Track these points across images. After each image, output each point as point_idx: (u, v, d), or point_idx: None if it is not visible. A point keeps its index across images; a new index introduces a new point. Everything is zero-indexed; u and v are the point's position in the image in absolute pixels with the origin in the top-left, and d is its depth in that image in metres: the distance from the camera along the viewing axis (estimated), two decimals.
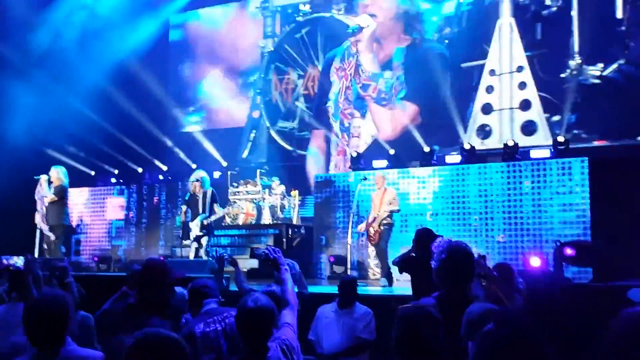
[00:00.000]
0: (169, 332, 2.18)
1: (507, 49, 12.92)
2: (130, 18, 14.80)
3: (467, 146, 11.15)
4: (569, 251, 8.17)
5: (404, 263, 5.91)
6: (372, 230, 9.27)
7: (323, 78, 14.98)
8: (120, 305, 3.77)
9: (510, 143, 10.71)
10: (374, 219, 9.25)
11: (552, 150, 10.48)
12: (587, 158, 9.83)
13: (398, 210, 9.48)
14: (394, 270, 7.67)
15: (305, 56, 15.35)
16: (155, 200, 13.43)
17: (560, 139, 10.36)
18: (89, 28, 14.51)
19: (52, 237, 10.32)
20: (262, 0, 15.91)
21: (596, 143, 11.75)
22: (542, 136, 12.28)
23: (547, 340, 1.98)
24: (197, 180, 9.92)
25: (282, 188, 13.35)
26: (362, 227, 9.69)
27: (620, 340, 2.37)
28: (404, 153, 12.29)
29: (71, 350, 2.93)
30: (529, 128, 12.40)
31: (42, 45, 13.79)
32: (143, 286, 3.64)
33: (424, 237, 6.38)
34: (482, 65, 13.12)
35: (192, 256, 9.84)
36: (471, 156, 10.95)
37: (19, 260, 4.23)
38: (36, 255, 10.31)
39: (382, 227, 9.18)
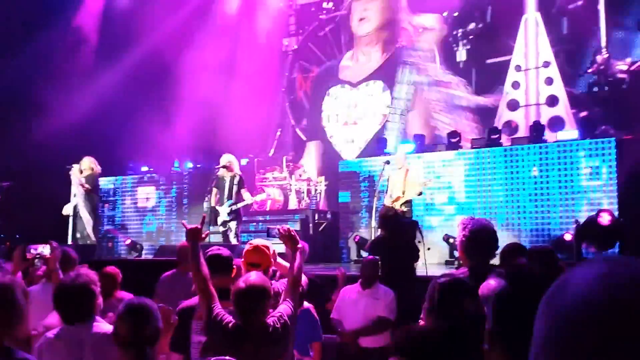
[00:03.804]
0: None
1: (533, 44, 12.78)
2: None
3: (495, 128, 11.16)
4: (606, 217, 8.16)
5: (373, 246, 6.16)
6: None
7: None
8: None
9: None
10: (397, 198, 9.26)
11: (580, 129, 10.47)
12: (614, 139, 9.76)
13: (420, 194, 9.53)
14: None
15: (329, 54, 15.39)
16: (181, 188, 13.65)
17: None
18: None
19: (87, 223, 10.62)
20: None
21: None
22: (570, 133, 12.15)
23: None
24: (225, 166, 10.03)
25: (309, 174, 13.47)
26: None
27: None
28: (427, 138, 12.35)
29: (100, 327, 3.11)
30: (556, 124, 12.27)
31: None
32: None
33: (386, 216, 6.56)
34: (508, 61, 13.02)
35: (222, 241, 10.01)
36: (497, 140, 10.95)
37: (45, 248, 4.45)
38: (70, 242, 10.60)
39: (405, 208, 9.18)
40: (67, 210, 10.88)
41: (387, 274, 5.70)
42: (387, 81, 14.54)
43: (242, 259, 3.83)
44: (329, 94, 15.15)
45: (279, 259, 4.03)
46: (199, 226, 3.58)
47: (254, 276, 3.22)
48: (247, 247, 3.89)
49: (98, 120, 13.56)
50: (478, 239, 3.36)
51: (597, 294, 0.70)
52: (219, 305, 3.26)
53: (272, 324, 3.18)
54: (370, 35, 14.81)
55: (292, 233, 3.71)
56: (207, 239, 3.94)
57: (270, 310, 3.25)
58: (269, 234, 3.88)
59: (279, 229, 3.76)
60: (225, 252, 3.85)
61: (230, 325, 3.16)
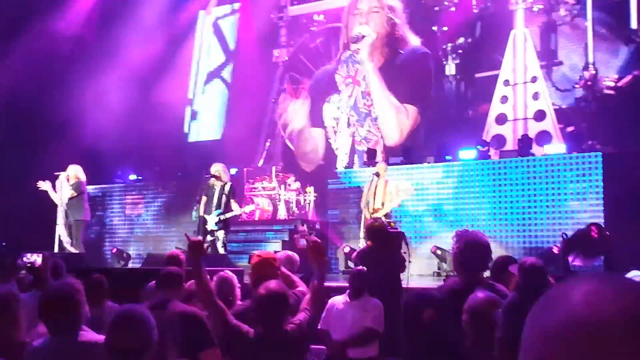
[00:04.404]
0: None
1: (521, 59, 12.90)
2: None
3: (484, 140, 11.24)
4: (594, 230, 8.27)
5: (360, 257, 6.23)
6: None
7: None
8: None
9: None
10: (376, 210, 9.31)
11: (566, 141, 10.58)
12: (600, 153, 9.85)
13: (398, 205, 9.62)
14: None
15: (320, 65, 15.45)
16: (169, 196, 13.61)
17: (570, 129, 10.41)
18: None
19: (71, 232, 10.58)
20: (277, 10, 16.08)
21: None
22: (558, 147, 12.24)
23: None
24: (214, 175, 10.01)
25: (298, 184, 13.48)
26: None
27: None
28: (415, 151, 12.39)
29: (86, 336, 3.08)
30: (543, 138, 12.34)
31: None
32: None
33: (372, 227, 6.65)
34: (496, 76, 13.14)
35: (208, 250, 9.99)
36: (486, 153, 11.02)
37: (37, 258, 4.44)
38: (56, 250, 10.54)
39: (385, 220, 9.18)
40: (45, 186, 10.73)
41: (372, 284, 5.71)
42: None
43: (250, 271, 3.83)
44: (329, 100, 15.13)
45: (283, 269, 4.05)
46: (202, 239, 3.61)
47: (274, 283, 3.23)
48: (254, 258, 3.89)
49: (86, 128, 13.54)
50: (472, 252, 3.38)
51: (583, 311, 0.72)
52: (232, 316, 3.27)
53: (291, 331, 3.18)
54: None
55: (320, 246, 3.72)
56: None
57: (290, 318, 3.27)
58: (295, 244, 3.93)
59: (308, 240, 3.76)
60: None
61: (250, 334, 3.16)
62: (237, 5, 16.89)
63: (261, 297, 3.14)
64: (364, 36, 14.28)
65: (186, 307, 3.83)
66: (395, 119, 14.00)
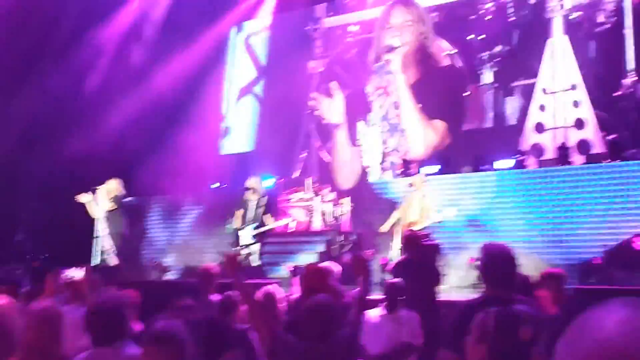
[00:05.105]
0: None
1: (559, 67, 12.70)
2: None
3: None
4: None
5: (396, 269, 6.14)
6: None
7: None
8: None
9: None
10: (412, 223, 9.22)
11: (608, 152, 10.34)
12: None
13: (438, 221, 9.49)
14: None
15: (355, 77, 15.46)
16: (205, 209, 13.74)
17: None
18: None
19: (110, 245, 10.73)
20: (312, 22, 16.18)
21: None
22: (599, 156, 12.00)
23: None
24: (250, 188, 10.08)
25: (333, 195, 13.46)
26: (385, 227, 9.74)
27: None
28: (451, 161, 12.28)
29: (130, 350, 3.10)
30: (584, 147, 12.12)
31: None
32: None
33: (408, 240, 6.57)
34: (534, 84, 12.96)
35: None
36: (524, 162, 10.87)
37: (77, 273, 4.51)
38: (95, 263, 10.71)
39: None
40: (84, 198, 10.92)
41: (410, 297, 5.66)
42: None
43: (301, 282, 3.88)
44: (363, 118, 15.14)
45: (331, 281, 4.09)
46: (238, 254, 3.69)
47: (323, 296, 3.30)
48: (306, 270, 3.94)
49: (126, 142, 13.79)
50: (495, 265, 3.30)
51: (616, 342, 0.69)
52: (280, 329, 3.33)
53: (338, 344, 3.20)
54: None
55: (366, 262, 3.83)
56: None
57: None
58: (338, 259, 4.06)
59: (355, 256, 3.90)
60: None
61: (300, 345, 3.18)
62: (267, 21, 17.06)
63: (309, 309, 3.17)
64: (395, 47, 14.27)
65: (207, 313, 3.92)
66: (422, 134, 13.96)
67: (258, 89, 17.00)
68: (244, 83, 17.23)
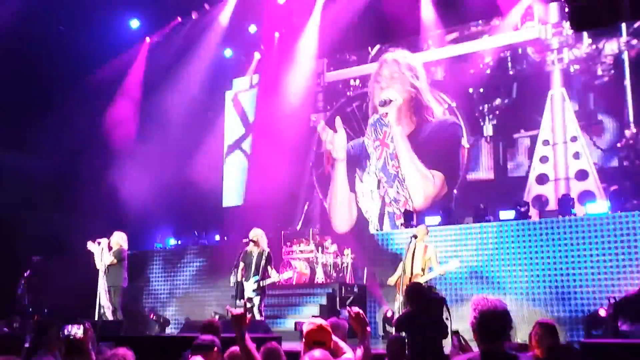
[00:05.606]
0: None
1: (559, 119, 12.87)
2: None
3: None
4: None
5: (400, 323, 6.06)
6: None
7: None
8: None
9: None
10: (415, 276, 9.10)
11: (611, 203, 10.33)
12: None
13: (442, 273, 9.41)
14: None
15: (356, 129, 15.65)
16: (207, 260, 13.68)
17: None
18: None
19: (107, 299, 10.66)
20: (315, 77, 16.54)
21: None
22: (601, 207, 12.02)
23: None
24: (253, 240, 10.04)
25: (335, 247, 13.43)
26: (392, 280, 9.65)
27: None
28: (453, 212, 12.29)
29: None
30: (586, 198, 12.13)
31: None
32: None
33: (412, 292, 6.48)
34: (535, 136, 13.09)
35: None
36: (526, 213, 10.84)
37: (78, 330, 4.45)
38: (96, 318, 10.59)
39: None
40: (94, 248, 10.89)
41: (415, 351, 5.58)
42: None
43: (304, 339, 3.84)
44: (362, 168, 15.25)
45: (335, 338, 4.03)
46: (244, 311, 3.67)
47: (318, 353, 3.25)
48: (309, 326, 3.89)
49: (131, 196, 13.87)
50: (487, 322, 3.28)
51: None
52: None
53: None
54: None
55: (362, 315, 3.85)
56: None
57: None
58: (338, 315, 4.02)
59: (349, 311, 3.89)
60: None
61: None
62: (255, 79, 17.39)
63: None
64: (390, 100, 14.60)
65: None
66: (420, 184, 14.06)
67: (246, 145, 17.26)
68: (232, 140, 17.61)
